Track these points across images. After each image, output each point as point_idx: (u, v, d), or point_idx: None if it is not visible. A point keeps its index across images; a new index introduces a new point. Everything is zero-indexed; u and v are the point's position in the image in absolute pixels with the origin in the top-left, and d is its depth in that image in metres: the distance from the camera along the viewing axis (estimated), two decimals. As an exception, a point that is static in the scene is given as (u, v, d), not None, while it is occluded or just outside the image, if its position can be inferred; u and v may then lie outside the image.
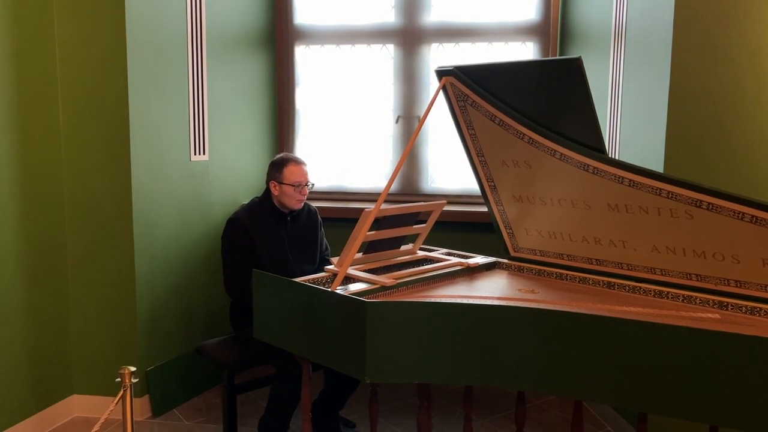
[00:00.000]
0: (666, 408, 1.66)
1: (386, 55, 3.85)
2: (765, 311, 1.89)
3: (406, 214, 2.33)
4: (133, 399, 2.06)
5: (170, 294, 3.30)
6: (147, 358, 3.18)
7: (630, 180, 1.97)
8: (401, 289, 2.15)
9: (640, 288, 2.14)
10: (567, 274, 2.33)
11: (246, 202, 2.97)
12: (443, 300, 2.02)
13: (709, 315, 1.91)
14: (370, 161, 3.94)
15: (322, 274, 2.26)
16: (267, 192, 2.89)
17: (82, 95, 3.00)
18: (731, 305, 1.94)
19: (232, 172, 3.65)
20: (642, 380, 1.67)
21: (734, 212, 1.82)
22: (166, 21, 3.15)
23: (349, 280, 2.18)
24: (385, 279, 2.13)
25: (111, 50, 2.94)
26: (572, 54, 3.50)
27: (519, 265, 2.48)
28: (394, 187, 3.87)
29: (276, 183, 2.83)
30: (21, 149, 2.83)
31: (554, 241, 2.34)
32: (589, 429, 3.08)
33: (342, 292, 1.94)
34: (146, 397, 3.19)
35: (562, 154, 2.08)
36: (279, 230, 2.87)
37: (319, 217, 3.08)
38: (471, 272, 2.42)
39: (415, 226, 2.42)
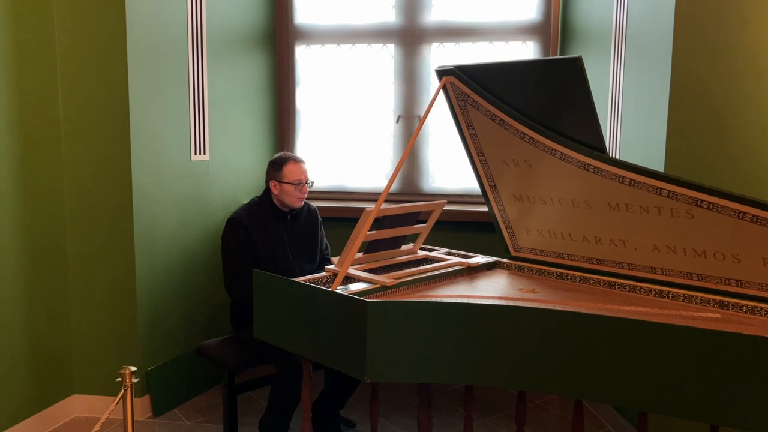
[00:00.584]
0: (667, 407, 1.66)
1: (387, 54, 3.85)
2: (766, 311, 1.89)
3: (406, 213, 2.33)
4: (134, 399, 2.06)
5: (171, 293, 3.30)
6: (147, 357, 3.18)
7: (630, 179, 1.97)
8: (402, 289, 2.15)
9: (641, 287, 2.14)
10: (567, 274, 2.33)
11: (246, 202, 2.98)
12: (444, 300, 2.02)
13: (710, 314, 1.91)
14: (371, 161, 3.94)
15: (323, 273, 2.26)
16: (267, 191, 2.89)
17: (83, 95, 3.00)
18: (732, 305, 1.94)
19: (232, 171, 3.65)
20: (642, 380, 1.67)
21: (735, 212, 1.82)
22: (166, 21, 3.15)
23: (349, 279, 2.18)
24: (385, 279, 2.13)
25: (111, 50, 2.94)
26: (573, 53, 3.50)
27: (519, 264, 2.48)
28: (394, 187, 3.87)
29: (276, 182, 2.83)
30: (21, 149, 2.83)
31: (555, 240, 2.34)
32: (590, 428, 3.08)
33: (342, 292, 1.94)
34: (147, 397, 3.19)
35: (562, 153, 2.08)
36: (279, 229, 2.87)
37: (319, 216, 3.08)
38: (471, 272, 2.42)
39: (415, 226, 2.42)
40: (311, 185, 2.89)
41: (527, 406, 2.61)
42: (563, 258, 2.35)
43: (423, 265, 2.43)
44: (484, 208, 2.91)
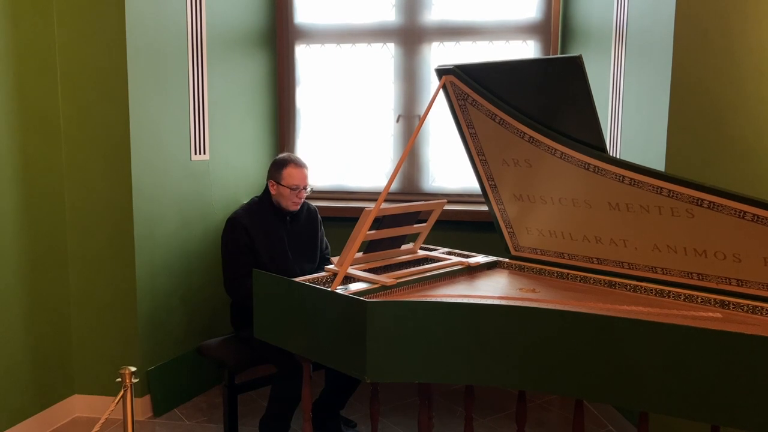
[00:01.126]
0: (667, 407, 1.65)
1: (387, 54, 3.85)
2: (767, 310, 1.89)
3: (406, 213, 2.32)
4: (134, 399, 2.06)
5: (171, 293, 3.30)
6: (148, 357, 3.18)
7: (631, 179, 1.96)
8: (402, 289, 2.15)
9: (641, 287, 2.14)
10: (568, 274, 2.33)
11: (246, 202, 2.97)
12: (444, 299, 2.02)
13: (711, 314, 1.91)
14: (371, 160, 3.94)
15: (323, 273, 2.26)
16: (267, 191, 2.89)
17: (83, 95, 2.99)
18: (733, 304, 1.94)
19: (232, 171, 3.65)
20: (643, 380, 1.67)
21: (735, 211, 1.82)
22: (166, 21, 3.14)
23: (349, 279, 2.18)
24: (385, 278, 2.13)
25: (111, 50, 2.94)
26: (573, 52, 3.50)
27: (520, 264, 2.47)
28: (394, 186, 3.87)
29: (274, 182, 2.83)
30: (21, 149, 2.83)
31: (555, 240, 2.33)
32: (591, 428, 3.08)
33: (342, 292, 1.94)
34: (147, 397, 3.19)
35: (562, 152, 2.08)
36: (279, 229, 2.87)
37: (318, 215, 3.07)
38: (471, 271, 2.42)
39: (415, 226, 2.41)
40: (309, 191, 2.88)
41: (528, 406, 2.61)
42: (563, 257, 2.35)
43: (423, 264, 2.42)
44: (484, 208, 2.91)
